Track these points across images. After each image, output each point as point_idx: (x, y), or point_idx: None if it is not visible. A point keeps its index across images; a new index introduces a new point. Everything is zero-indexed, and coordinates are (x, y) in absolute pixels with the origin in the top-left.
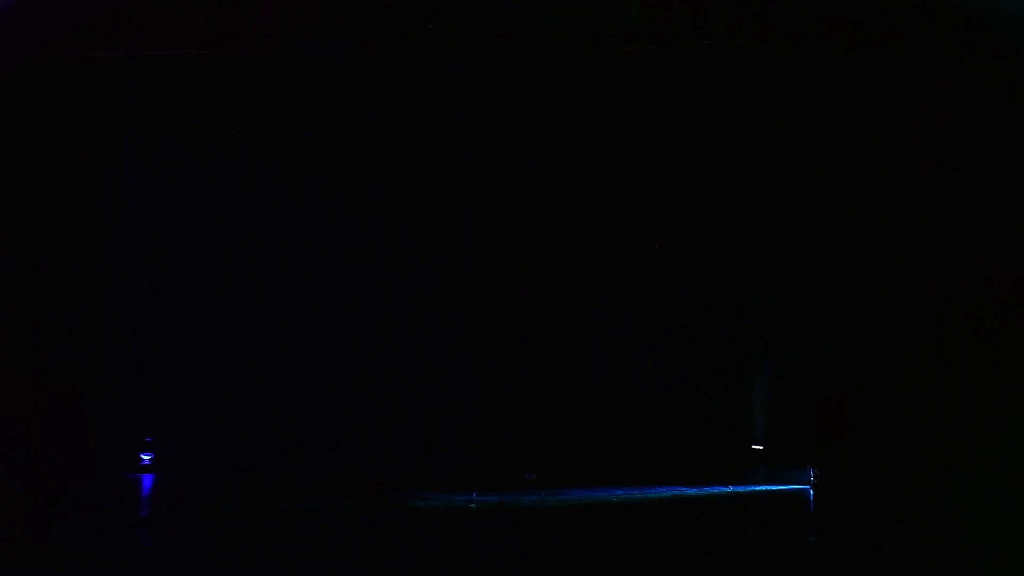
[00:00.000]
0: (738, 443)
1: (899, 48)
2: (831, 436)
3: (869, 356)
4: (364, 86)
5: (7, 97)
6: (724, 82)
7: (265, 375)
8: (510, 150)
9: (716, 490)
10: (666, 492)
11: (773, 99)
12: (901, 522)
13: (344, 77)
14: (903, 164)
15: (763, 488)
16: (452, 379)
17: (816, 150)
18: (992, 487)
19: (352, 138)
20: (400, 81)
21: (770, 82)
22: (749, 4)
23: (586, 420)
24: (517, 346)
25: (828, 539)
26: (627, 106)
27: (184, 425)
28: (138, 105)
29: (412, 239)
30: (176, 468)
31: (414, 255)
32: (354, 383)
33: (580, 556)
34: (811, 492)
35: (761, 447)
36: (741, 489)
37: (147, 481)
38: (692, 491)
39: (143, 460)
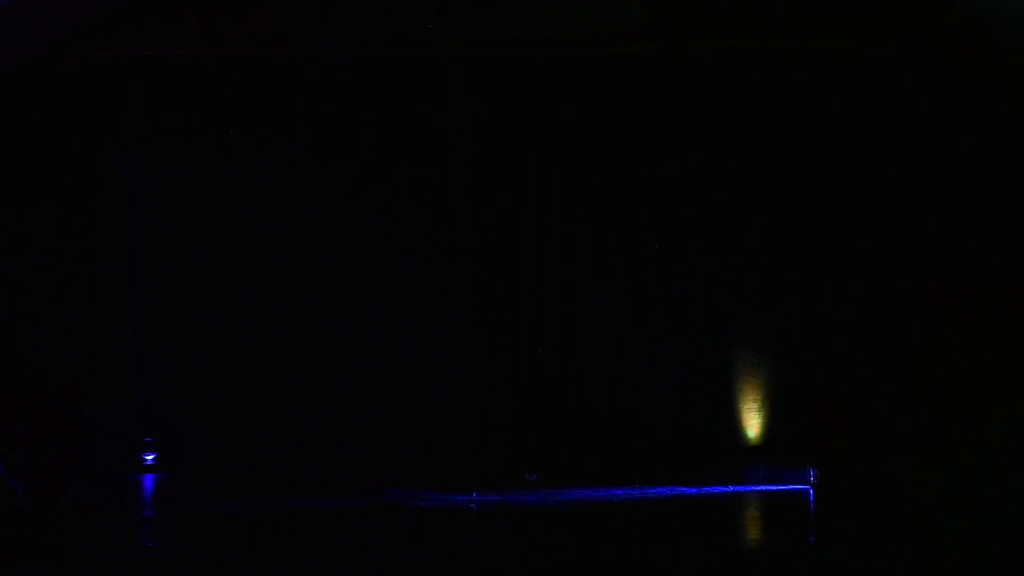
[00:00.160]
0: (738, 443)
1: (899, 48)
2: (831, 436)
3: (869, 356)
4: (364, 86)
5: (7, 97)
6: (724, 82)
7: (265, 375)
8: (510, 150)
9: (716, 490)
10: (666, 492)
11: (773, 99)
12: (901, 522)
13: (344, 77)
14: (903, 164)
15: (763, 488)
16: (452, 379)
17: (816, 150)
18: (992, 487)
19: (352, 138)
20: (400, 81)
21: (770, 82)
22: (749, 4)
23: (586, 420)
24: (517, 346)
25: (828, 539)
26: (627, 106)
27: (184, 425)
28: (138, 105)
29: (412, 239)
30: (176, 468)
31: (414, 255)
32: (354, 383)
33: (580, 556)
34: (811, 492)
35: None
36: (741, 489)
37: (147, 481)
38: (692, 491)
39: (145, 460)
